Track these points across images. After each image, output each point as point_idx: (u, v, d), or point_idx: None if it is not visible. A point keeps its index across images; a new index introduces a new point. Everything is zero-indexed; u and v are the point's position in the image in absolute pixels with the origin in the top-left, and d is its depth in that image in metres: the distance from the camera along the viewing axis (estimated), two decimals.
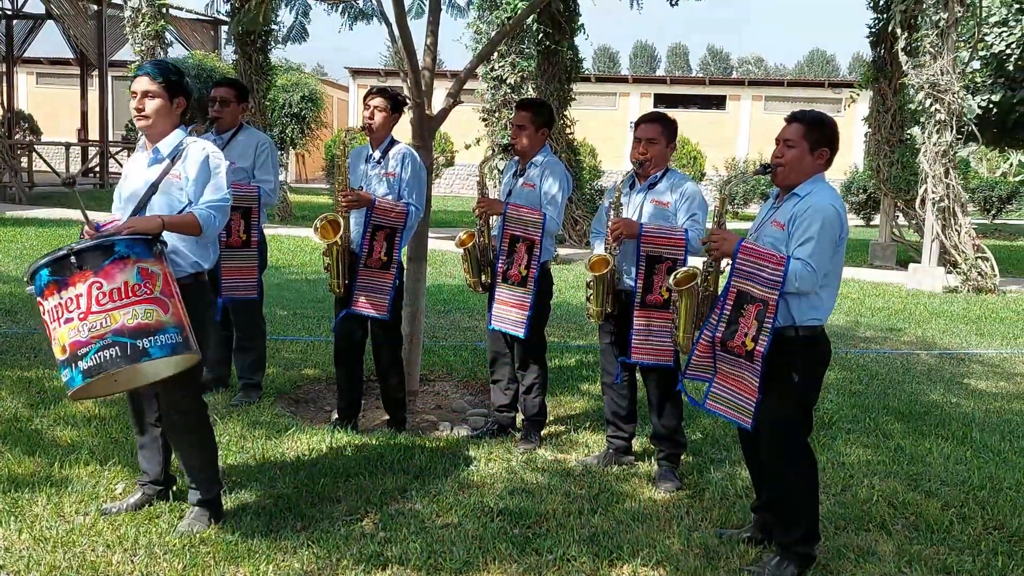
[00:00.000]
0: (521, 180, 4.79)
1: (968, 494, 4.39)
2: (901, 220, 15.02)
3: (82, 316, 3.17)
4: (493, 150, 4.65)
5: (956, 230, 11.82)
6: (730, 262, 3.42)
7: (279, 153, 24.24)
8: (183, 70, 3.71)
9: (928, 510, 4.17)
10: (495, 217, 4.86)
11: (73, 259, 3.19)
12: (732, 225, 3.72)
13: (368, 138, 5.01)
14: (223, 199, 3.59)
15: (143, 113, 3.55)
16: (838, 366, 7.04)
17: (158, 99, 3.55)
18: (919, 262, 12.47)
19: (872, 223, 21.89)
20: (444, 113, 5.55)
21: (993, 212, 24.84)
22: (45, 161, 21.99)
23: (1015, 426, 5.62)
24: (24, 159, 21.28)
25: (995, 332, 9.00)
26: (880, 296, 11.21)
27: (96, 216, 3.55)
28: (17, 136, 23.78)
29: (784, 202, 3.46)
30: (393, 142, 5.01)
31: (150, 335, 3.21)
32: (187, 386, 3.54)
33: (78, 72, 25.11)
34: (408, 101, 5.19)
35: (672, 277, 3.69)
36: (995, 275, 11.83)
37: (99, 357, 3.16)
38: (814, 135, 3.40)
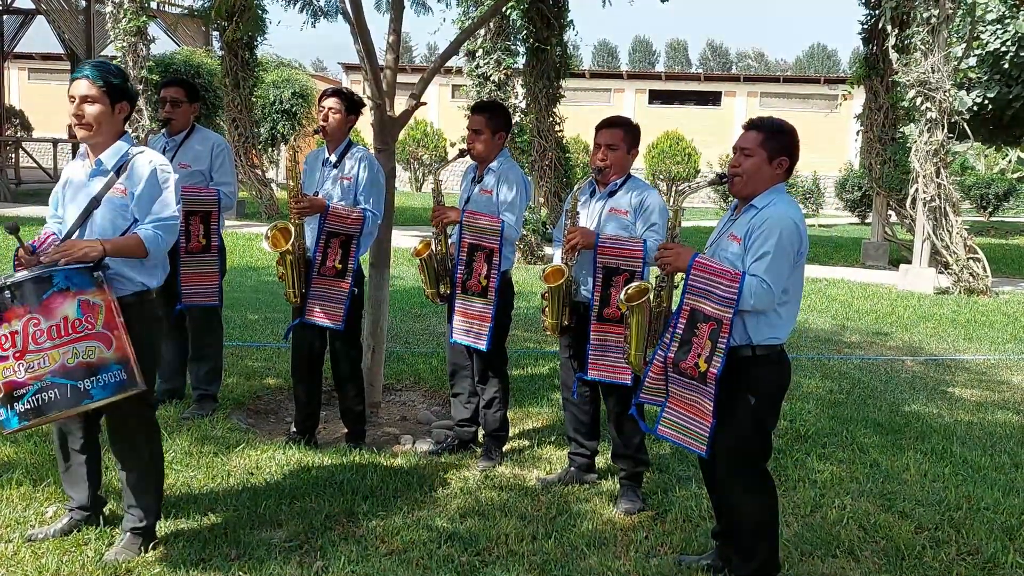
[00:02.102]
0: (478, 187, 4.60)
1: (943, 515, 4.21)
2: (894, 219, 14.82)
3: (18, 355, 3.01)
4: (460, 154, 4.41)
5: (947, 230, 11.60)
6: (684, 278, 3.23)
7: (270, 149, 24.16)
8: (124, 71, 3.50)
9: (900, 533, 3.98)
10: (452, 225, 4.66)
11: (8, 293, 3.02)
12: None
13: (324, 140, 4.83)
14: (171, 217, 3.37)
15: (83, 121, 3.32)
16: (819, 373, 6.86)
17: (98, 105, 3.31)
18: (911, 262, 12.28)
19: (867, 221, 21.68)
20: (407, 115, 5.35)
21: (990, 210, 24.62)
22: (32, 158, 21.80)
23: (997, 439, 5.43)
24: (11, 155, 21.12)
25: (984, 336, 8.80)
26: (869, 298, 11.01)
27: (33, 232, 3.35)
28: (8, 132, 23.59)
29: (741, 214, 3.26)
30: (351, 145, 4.82)
31: (92, 375, 3.06)
32: (136, 407, 3.34)
33: (69, 68, 24.86)
34: (365, 102, 4.99)
35: (623, 292, 3.49)
36: (987, 276, 11.62)
37: (37, 400, 3.01)
38: (773, 143, 3.20)
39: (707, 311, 3.14)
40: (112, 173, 3.35)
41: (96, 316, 3.10)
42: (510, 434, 4.95)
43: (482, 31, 12.38)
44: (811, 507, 4.25)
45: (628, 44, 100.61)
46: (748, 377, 3.19)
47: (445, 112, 29.12)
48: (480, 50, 12.74)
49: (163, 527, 3.65)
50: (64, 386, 3.01)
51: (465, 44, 12.19)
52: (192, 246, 5.16)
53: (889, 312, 10.00)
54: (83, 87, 3.31)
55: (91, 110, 3.31)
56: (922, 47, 11.17)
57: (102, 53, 22.18)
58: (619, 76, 33.27)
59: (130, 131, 3.55)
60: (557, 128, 13.92)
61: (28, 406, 3.00)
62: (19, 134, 25.17)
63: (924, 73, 11.15)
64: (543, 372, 6.60)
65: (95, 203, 3.33)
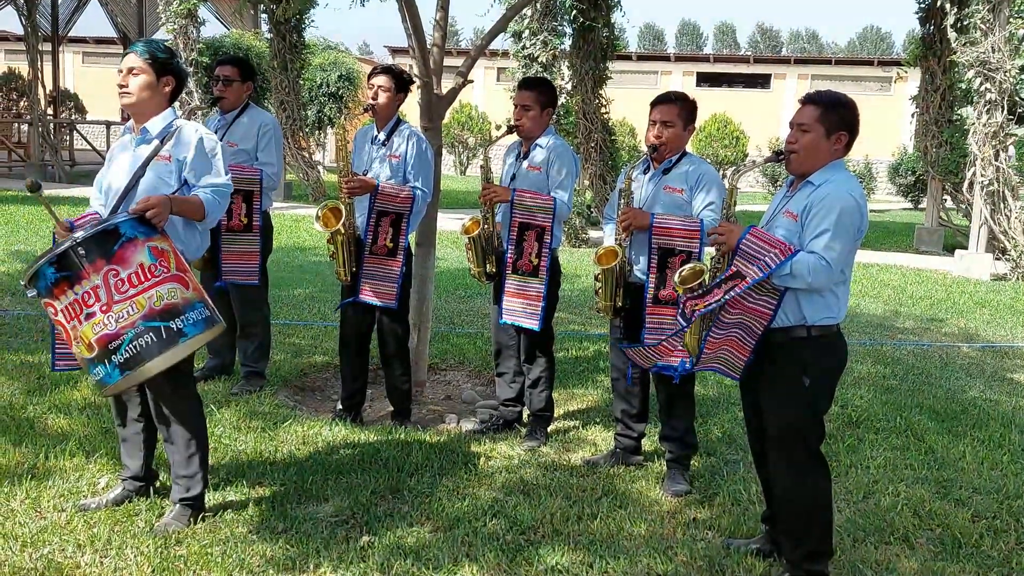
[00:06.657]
0: (526, 163, 4.55)
1: (1002, 504, 4.09)
2: (949, 204, 14.46)
3: (104, 308, 3.06)
4: (508, 130, 4.40)
5: (1006, 215, 11.29)
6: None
7: (317, 132, 24.30)
8: (174, 50, 3.60)
9: (957, 521, 3.88)
10: (500, 204, 4.62)
11: (81, 250, 3.08)
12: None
13: (373, 119, 4.82)
14: (225, 184, 3.51)
15: (125, 89, 3.45)
16: (871, 359, 6.71)
17: (143, 76, 3.45)
18: (967, 248, 11.98)
19: (920, 206, 21.20)
20: (453, 93, 5.31)
21: None
22: (86, 140, 22.20)
23: None
24: (66, 137, 21.56)
25: None
26: (923, 283, 10.76)
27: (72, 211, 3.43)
28: (63, 115, 24.06)
29: (798, 191, 3.17)
30: (399, 122, 4.80)
31: (180, 314, 3.14)
32: (177, 378, 3.39)
33: (122, 51, 25.23)
34: (414, 80, 4.97)
35: (677, 275, 3.42)
36: None
37: (135, 347, 3.07)
38: (830, 118, 3.10)
39: (744, 271, 3.05)
40: (157, 141, 3.45)
41: (168, 260, 3.20)
42: (555, 415, 4.92)
43: (528, 11, 12.28)
44: (864, 493, 4.16)
45: (675, 27, 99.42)
46: (803, 358, 3.11)
47: (490, 95, 29.09)
48: (527, 31, 12.64)
49: (211, 499, 3.69)
50: (157, 328, 3.08)
51: (512, 24, 12.11)
52: (233, 224, 5.18)
53: (944, 298, 9.76)
54: (130, 59, 3.46)
55: (134, 80, 3.45)
56: (982, 26, 10.84)
57: (154, 36, 22.51)
58: (666, 58, 32.88)
59: (178, 108, 3.64)
60: (603, 110, 13.77)
61: (127, 354, 3.06)
62: (73, 117, 25.63)
63: (984, 53, 10.82)
64: (588, 354, 6.55)
65: (142, 169, 3.39)
